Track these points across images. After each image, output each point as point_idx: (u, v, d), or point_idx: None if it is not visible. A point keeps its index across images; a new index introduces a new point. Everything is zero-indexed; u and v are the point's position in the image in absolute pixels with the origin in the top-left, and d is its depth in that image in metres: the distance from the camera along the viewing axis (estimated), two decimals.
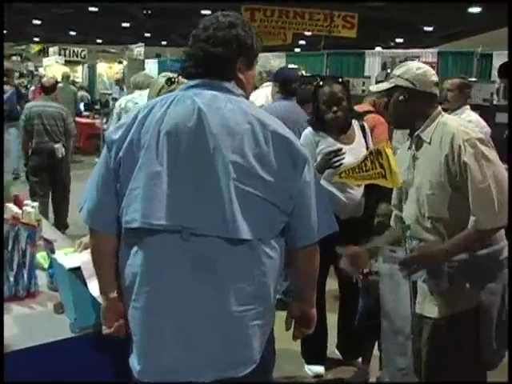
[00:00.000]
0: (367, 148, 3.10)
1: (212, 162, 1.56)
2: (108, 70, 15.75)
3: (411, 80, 2.17)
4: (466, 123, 2.17)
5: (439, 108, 2.21)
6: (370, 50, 10.42)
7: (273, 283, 1.65)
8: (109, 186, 1.65)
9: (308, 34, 16.90)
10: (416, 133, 2.20)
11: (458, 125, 2.12)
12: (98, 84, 15.93)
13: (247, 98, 1.74)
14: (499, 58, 7.55)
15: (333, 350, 3.40)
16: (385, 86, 2.24)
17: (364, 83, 8.43)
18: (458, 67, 8.30)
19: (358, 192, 3.05)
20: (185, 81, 2.48)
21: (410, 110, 2.19)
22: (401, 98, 2.18)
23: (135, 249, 1.61)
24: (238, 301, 1.57)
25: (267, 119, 1.64)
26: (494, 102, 6.68)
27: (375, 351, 3.16)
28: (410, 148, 2.27)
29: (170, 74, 2.54)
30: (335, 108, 2.94)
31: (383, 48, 14.92)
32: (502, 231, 2.11)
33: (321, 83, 3.05)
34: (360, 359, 3.29)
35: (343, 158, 2.78)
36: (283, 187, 1.60)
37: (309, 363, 3.31)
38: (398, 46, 21.48)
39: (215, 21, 1.69)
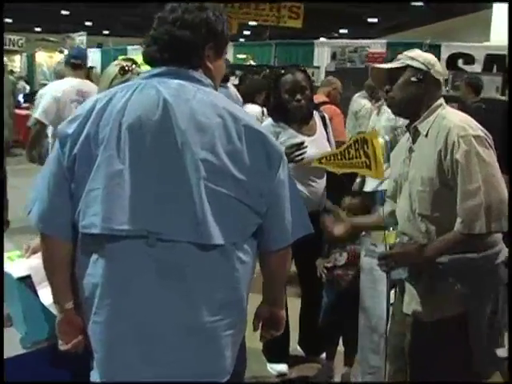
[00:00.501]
0: (328, 140, 3.04)
1: (180, 159, 1.42)
2: (48, 60, 15.11)
3: (425, 63, 2.05)
4: (469, 118, 2.03)
5: (441, 100, 2.09)
6: (319, 39, 10.42)
7: (246, 289, 1.54)
8: (61, 186, 1.48)
9: (253, 23, 16.79)
10: (413, 124, 2.08)
11: (457, 119, 1.97)
12: (38, 74, 15.29)
13: (216, 88, 1.59)
14: (447, 50, 7.69)
15: (295, 347, 3.31)
16: (396, 64, 2.08)
17: (313, 73, 8.39)
18: None
19: (320, 185, 2.96)
20: (139, 70, 2.32)
21: (420, 92, 2.04)
22: (413, 78, 2.03)
23: (95, 257, 1.45)
24: (210, 311, 1.45)
25: (239, 112, 1.51)
26: (443, 93, 6.78)
27: (340, 346, 3.09)
28: (408, 140, 2.16)
29: (123, 62, 2.35)
30: (299, 96, 2.83)
31: (327, 38, 14.99)
32: (499, 234, 2.01)
33: (282, 71, 2.93)
34: (324, 355, 3.21)
35: (305, 152, 2.68)
36: (257, 187, 1.48)
37: (271, 361, 3.21)
38: (342, 36, 21.67)
39: (183, 3, 1.55)
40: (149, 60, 1.58)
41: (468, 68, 7.51)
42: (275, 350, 3.17)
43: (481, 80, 5.62)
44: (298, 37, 13.24)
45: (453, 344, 1.98)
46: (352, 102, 6.57)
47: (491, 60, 7.30)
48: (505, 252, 2.04)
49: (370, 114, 6.27)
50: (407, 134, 2.17)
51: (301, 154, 2.68)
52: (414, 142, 2.09)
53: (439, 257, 1.97)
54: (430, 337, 2.00)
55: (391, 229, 2.16)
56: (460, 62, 7.72)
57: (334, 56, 8.96)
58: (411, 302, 2.07)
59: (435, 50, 7.87)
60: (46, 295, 1.68)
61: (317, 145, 2.83)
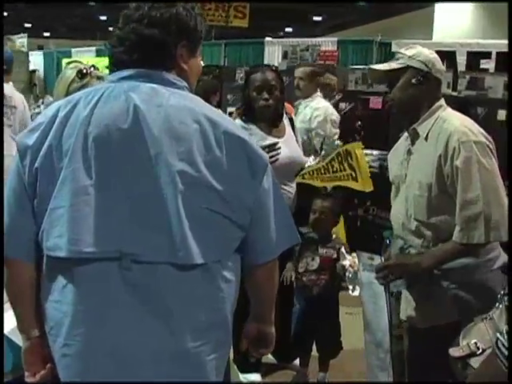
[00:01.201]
0: (296, 141, 2.96)
1: (154, 172, 1.29)
2: None
3: (426, 62, 1.98)
4: (470, 122, 1.99)
5: (441, 100, 2.04)
6: (267, 38, 10.36)
7: (231, 308, 1.43)
8: (23, 203, 1.34)
9: None
10: (412, 126, 2.01)
11: (458, 123, 1.92)
12: None
13: (192, 90, 1.47)
14: (398, 47, 7.76)
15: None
16: (395, 65, 2.00)
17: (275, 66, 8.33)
18: (357, 56, 8.45)
19: (291, 189, 2.86)
20: (98, 73, 2.18)
21: (420, 94, 1.97)
22: (414, 80, 1.96)
23: (62, 282, 1.31)
24: (194, 335, 1.33)
25: (218, 117, 1.39)
26: None
27: (313, 352, 3.02)
28: (407, 140, 2.10)
29: (81, 65, 2.19)
30: (266, 95, 2.73)
31: (273, 37, 15.01)
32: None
33: (251, 70, 2.84)
34: (297, 361, 3.13)
35: (279, 154, 2.58)
36: (240, 198, 1.37)
37: (243, 372, 3.10)
38: (287, 35, 21.75)
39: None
40: (116, 62, 1.44)
41: None
42: (248, 359, 3.07)
43: None
44: (243, 36, 13.17)
45: (447, 351, 1.95)
46: None
47: (441, 56, 7.38)
48: (503, 258, 1.99)
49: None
50: (406, 134, 2.10)
51: (274, 156, 2.58)
52: (412, 144, 2.03)
53: (437, 266, 1.92)
54: (425, 343, 1.96)
55: None
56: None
57: (285, 55, 8.90)
58: (407, 308, 2.02)
59: (386, 47, 7.96)
60: (5, 322, 1.53)
61: (287, 146, 2.76)
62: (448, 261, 1.91)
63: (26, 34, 12.95)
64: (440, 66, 2.03)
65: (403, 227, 2.03)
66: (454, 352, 1.65)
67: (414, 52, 2.02)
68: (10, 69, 4.52)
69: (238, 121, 2.84)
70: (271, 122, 2.81)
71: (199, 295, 1.34)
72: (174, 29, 1.41)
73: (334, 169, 2.16)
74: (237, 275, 1.44)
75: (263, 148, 2.59)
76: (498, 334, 1.48)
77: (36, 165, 1.32)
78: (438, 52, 7.05)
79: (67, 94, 1.96)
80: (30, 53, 12.73)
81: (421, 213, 1.95)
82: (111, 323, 1.28)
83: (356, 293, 2.59)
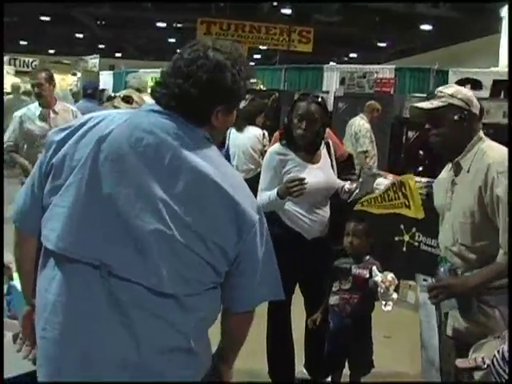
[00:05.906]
0: (332, 166, 3.05)
1: (147, 203, 1.40)
2: (61, 82, 15.30)
3: (465, 100, 2.10)
4: (506, 151, 2.10)
5: (480, 133, 2.16)
6: (328, 64, 10.51)
7: (202, 341, 1.52)
8: (36, 189, 1.52)
9: (263, 47, 16.97)
10: (456, 159, 2.16)
11: (497, 155, 2.07)
12: None
13: (214, 142, 1.55)
14: (455, 75, 7.72)
15: (300, 369, 3.31)
16: (438, 103, 2.12)
17: (322, 98, 8.44)
18: (414, 83, 8.46)
19: (325, 213, 2.98)
20: (136, 99, 2.37)
21: (463, 130, 2.10)
22: (456, 117, 2.08)
23: (53, 273, 1.45)
24: (157, 354, 1.42)
25: (223, 182, 1.45)
26: None
27: (345, 370, 3.09)
28: (450, 170, 2.25)
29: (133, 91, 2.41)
30: (304, 126, 2.84)
31: (337, 63, 15.08)
32: None
33: (300, 97, 2.97)
34: (329, 379, 3.21)
35: (304, 189, 2.68)
36: (222, 250, 1.45)
37: None
38: (351, 60, 21.81)
39: (203, 55, 1.47)
40: (155, 99, 1.54)
41: (475, 93, 7.45)
42: (281, 373, 3.16)
43: (481, 105, 5.62)
44: (308, 61, 13.36)
45: None
46: (349, 125, 6.64)
47: (499, 85, 7.33)
48: None
49: (370, 133, 6.40)
50: (449, 165, 2.25)
51: (299, 190, 2.67)
52: (456, 175, 2.17)
53: (483, 286, 2.06)
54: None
55: None
56: (467, 88, 7.70)
57: (342, 81, 9.00)
58: (454, 324, 2.14)
59: (443, 75, 7.93)
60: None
61: (322, 172, 2.88)
62: (493, 280, 2.05)
63: (98, 55, 13.62)
64: (476, 102, 2.14)
65: (450, 252, 2.17)
66: (461, 363, 1.75)
67: (453, 91, 2.13)
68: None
69: (277, 145, 2.98)
70: (307, 150, 2.93)
71: (166, 319, 1.41)
72: (216, 94, 1.48)
73: (390, 197, 2.35)
74: (212, 307, 1.51)
75: (291, 181, 2.71)
76: (496, 352, 1.56)
77: (53, 160, 1.47)
78: (495, 81, 6.95)
79: None
80: (101, 73, 13.38)
81: (466, 238, 2.11)
82: (85, 321, 1.40)
83: (388, 308, 2.64)
